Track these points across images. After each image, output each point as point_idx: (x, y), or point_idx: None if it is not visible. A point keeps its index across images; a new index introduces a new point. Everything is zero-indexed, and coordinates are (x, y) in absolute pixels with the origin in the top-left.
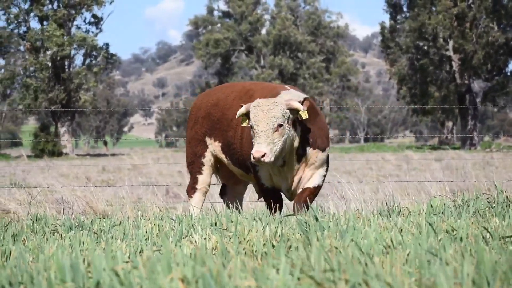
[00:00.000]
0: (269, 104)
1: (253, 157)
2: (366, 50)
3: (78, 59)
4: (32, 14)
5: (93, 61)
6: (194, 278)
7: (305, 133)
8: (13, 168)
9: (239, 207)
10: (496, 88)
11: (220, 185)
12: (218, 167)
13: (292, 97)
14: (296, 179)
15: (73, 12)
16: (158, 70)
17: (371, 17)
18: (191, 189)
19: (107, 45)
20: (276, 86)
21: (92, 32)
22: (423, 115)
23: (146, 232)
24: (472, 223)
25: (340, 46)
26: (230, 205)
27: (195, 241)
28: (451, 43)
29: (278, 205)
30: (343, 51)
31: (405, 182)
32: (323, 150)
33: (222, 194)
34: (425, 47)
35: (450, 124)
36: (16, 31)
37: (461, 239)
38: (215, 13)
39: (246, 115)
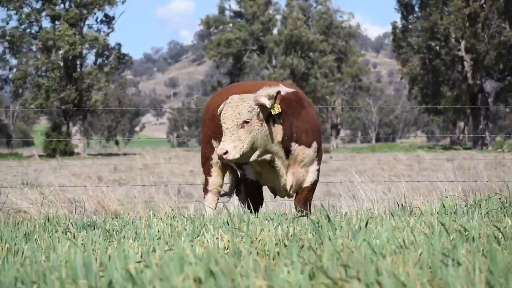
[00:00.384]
0: (237, 100)
1: (217, 154)
2: (377, 50)
3: (90, 59)
4: (44, 14)
5: (105, 61)
6: (206, 277)
7: (288, 128)
8: (25, 168)
9: (251, 206)
10: (508, 88)
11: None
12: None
13: (269, 92)
14: (289, 175)
15: (85, 11)
16: (170, 70)
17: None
18: (204, 190)
19: (119, 44)
20: (275, 84)
21: (104, 31)
22: (435, 115)
23: (158, 231)
24: (484, 223)
25: (351, 46)
26: (243, 204)
27: (207, 241)
28: (463, 43)
29: (258, 201)
30: (354, 51)
31: (417, 182)
32: (309, 145)
33: (238, 193)
34: (437, 47)
35: (462, 124)
36: (28, 30)
37: (473, 239)
38: (227, 13)
39: None
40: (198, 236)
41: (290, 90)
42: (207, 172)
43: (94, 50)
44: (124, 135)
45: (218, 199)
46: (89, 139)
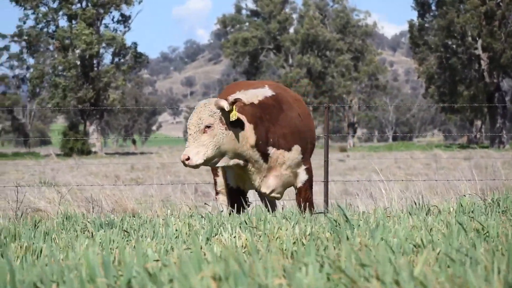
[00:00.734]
0: (201, 106)
1: (180, 161)
2: (394, 49)
3: (107, 58)
4: (60, 13)
5: (122, 60)
6: (225, 276)
7: (263, 133)
8: (42, 167)
9: (269, 205)
10: None
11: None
12: None
13: (246, 96)
14: (272, 179)
15: (102, 11)
16: (186, 69)
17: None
18: (215, 191)
19: (135, 44)
20: (254, 84)
21: (121, 30)
22: (452, 114)
23: (176, 230)
24: (502, 221)
25: (368, 45)
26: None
27: (225, 240)
28: (479, 41)
29: (238, 209)
30: (371, 50)
31: (434, 181)
32: (288, 149)
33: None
34: (454, 46)
35: (479, 123)
36: (45, 30)
37: (491, 238)
38: (243, 12)
39: None
40: (215, 235)
41: (269, 94)
42: (214, 172)
43: (111, 49)
44: (141, 134)
45: None
46: (106, 138)
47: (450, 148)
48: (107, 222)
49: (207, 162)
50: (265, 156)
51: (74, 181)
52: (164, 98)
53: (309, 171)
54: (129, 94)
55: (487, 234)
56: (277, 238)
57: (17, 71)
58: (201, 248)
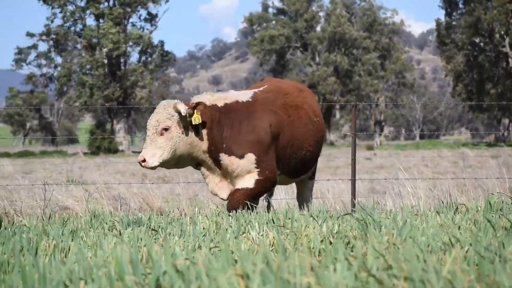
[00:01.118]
0: (160, 107)
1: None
2: (421, 47)
3: (134, 57)
4: (88, 12)
5: (149, 59)
6: (253, 274)
7: (218, 138)
8: (70, 165)
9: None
10: None
11: None
12: None
13: (212, 98)
14: (225, 185)
15: (129, 9)
16: (213, 67)
17: (426, 13)
18: None
19: (162, 42)
20: (257, 87)
21: (148, 29)
22: (479, 112)
23: (203, 228)
24: None
25: (395, 43)
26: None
27: (253, 238)
28: (507, 39)
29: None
30: (398, 48)
31: (462, 179)
32: (240, 156)
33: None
34: (481, 44)
35: (506, 121)
36: (72, 29)
37: None
38: (270, 10)
39: None
40: (243, 233)
41: (244, 98)
42: None
43: (138, 48)
44: None
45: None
46: (133, 136)
47: (478, 147)
48: (134, 220)
49: (163, 165)
50: (218, 162)
51: (101, 180)
52: (191, 96)
53: (258, 182)
54: (156, 93)
55: None
56: (304, 236)
57: (44, 70)
58: (229, 246)
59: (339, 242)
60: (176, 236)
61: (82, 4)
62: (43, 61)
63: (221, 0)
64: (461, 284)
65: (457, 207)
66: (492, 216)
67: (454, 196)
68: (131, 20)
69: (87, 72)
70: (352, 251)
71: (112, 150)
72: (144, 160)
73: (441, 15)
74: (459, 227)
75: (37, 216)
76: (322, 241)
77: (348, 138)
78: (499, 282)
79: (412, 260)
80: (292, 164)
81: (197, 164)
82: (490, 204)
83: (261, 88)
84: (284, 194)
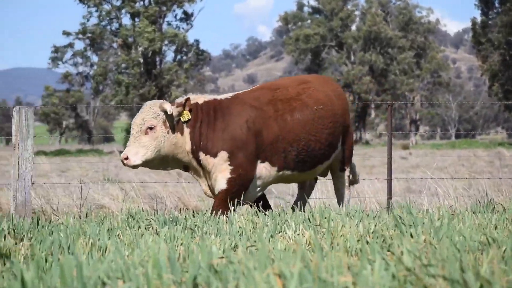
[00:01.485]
0: (146, 106)
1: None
2: (457, 46)
3: (169, 55)
4: (123, 11)
5: (184, 57)
6: (291, 273)
7: (197, 137)
8: (106, 164)
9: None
10: None
11: None
12: None
13: (195, 98)
14: (206, 185)
15: (164, 8)
16: (248, 66)
17: (462, 12)
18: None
19: (197, 41)
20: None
21: (183, 28)
22: None
23: (240, 227)
24: None
25: (430, 42)
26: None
27: (289, 237)
28: None
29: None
30: (433, 47)
31: (499, 179)
32: (213, 155)
33: (299, 188)
34: None
35: None
36: (108, 27)
37: None
38: (305, 9)
39: None
40: (279, 232)
41: (224, 97)
42: None
43: (173, 47)
44: None
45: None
46: None
47: None
48: (171, 219)
49: (146, 164)
50: (199, 162)
51: (137, 178)
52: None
53: (230, 181)
54: (191, 91)
55: None
56: (341, 235)
57: (80, 69)
58: (266, 245)
59: (375, 241)
60: (212, 235)
61: (118, 3)
62: (79, 60)
63: None
64: (500, 283)
65: (494, 207)
66: None
67: (490, 195)
68: (166, 19)
69: (123, 71)
70: (388, 250)
71: None
72: (127, 158)
73: (477, 14)
74: (496, 226)
75: (73, 214)
76: (358, 240)
77: (383, 137)
78: None
79: (450, 260)
80: (293, 157)
81: (185, 167)
82: None
83: (252, 88)
84: (320, 194)
